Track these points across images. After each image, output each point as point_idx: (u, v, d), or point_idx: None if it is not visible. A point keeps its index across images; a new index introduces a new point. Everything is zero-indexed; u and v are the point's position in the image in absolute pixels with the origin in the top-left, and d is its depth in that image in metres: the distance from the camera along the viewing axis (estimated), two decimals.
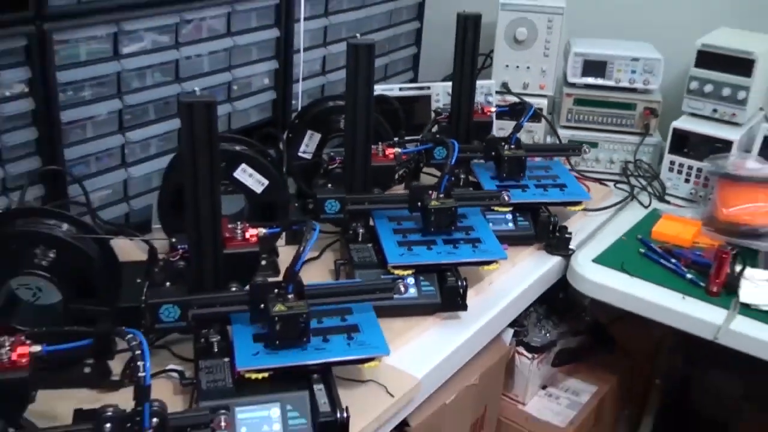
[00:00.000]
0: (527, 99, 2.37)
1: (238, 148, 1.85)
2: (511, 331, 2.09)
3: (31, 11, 1.67)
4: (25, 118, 1.75)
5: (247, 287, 1.45)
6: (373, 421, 1.47)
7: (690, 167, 2.37)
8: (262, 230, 1.55)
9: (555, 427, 2.25)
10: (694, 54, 2.33)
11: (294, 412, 1.38)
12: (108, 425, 1.14)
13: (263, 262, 1.78)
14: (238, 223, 1.55)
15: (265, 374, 1.39)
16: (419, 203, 1.82)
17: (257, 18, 2.19)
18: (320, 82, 2.46)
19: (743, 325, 1.84)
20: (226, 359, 1.45)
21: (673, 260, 2.03)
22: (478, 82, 2.16)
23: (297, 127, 2.13)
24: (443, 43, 2.48)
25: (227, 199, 1.59)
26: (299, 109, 2.27)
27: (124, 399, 1.19)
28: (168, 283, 1.49)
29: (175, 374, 1.51)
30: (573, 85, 2.50)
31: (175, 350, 1.59)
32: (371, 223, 1.88)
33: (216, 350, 1.47)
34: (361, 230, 1.87)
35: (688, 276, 1.98)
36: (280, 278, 1.46)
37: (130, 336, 1.17)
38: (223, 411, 1.23)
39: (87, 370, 1.46)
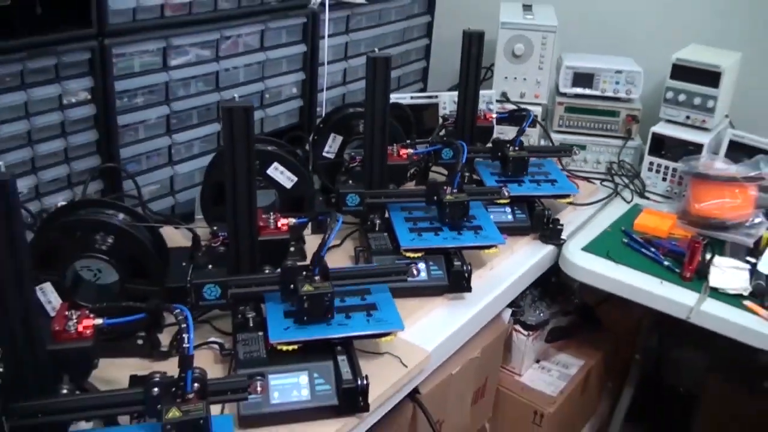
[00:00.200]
0: (524, 107, 2.37)
1: (270, 148, 1.86)
2: (509, 311, 2.09)
3: (94, 29, 1.68)
4: (88, 121, 1.76)
5: (279, 270, 1.45)
6: (389, 388, 1.48)
7: (666, 167, 2.36)
8: (292, 220, 1.56)
9: (547, 395, 2.26)
10: (669, 67, 2.33)
11: (320, 379, 1.39)
12: (155, 389, 1.15)
13: (292, 249, 1.78)
14: (271, 213, 1.55)
15: (295, 346, 1.39)
16: (435, 197, 1.83)
17: (287, 35, 2.19)
18: (341, 91, 2.46)
19: (712, 306, 1.85)
20: (261, 333, 1.46)
21: (652, 249, 2.03)
22: (481, 92, 2.16)
23: (321, 131, 2.13)
24: (449, 57, 2.47)
25: (260, 193, 1.59)
26: (323, 115, 2.27)
27: (171, 367, 1.20)
28: (210, 266, 1.50)
29: (215, 346, 1.52)
30: (564, 95, 2.49)
31: (216, 325, 1.60)
32: (387, 215, 1.89)
33: (251, 325, 1.48)
34: (377, 221, 1.88)
35: (665, 263, 1.99)
36: (307, 262, 1.46)
37: (177, 311, 1.18)
38: (258, 377, 1.23)
39: (140, 341, 1.48)
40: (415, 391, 1.70)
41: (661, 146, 2.36)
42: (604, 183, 2.46)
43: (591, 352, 2.46)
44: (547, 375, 2.35)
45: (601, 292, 2.05)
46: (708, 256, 1.95)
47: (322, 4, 2.21)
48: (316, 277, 1.44)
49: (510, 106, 2.44)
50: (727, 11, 2.50)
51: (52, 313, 1.36)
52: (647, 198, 2.39)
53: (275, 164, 1.83)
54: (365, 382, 1.37)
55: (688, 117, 2.34)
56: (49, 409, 1.14)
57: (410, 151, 1.95)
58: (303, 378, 1.39)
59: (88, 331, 1.18)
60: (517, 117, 2.23)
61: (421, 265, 1.75)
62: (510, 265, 1.97)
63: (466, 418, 2.06)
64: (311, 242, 1.89)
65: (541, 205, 2.08)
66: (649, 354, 2.56)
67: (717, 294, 1.89)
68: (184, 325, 1.16)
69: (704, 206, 2.12)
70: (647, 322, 2.50)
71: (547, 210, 2.07)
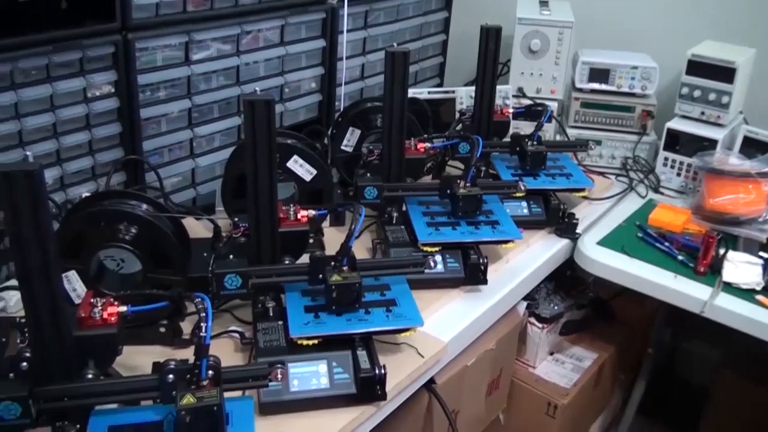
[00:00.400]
0: (540, 102, 2.37)
1: (290, 142, 1.86)
2: (524, 304, 2.09)
3: (118, 23, 1.70)
4: (111, 114, 1.78)
5: (308, 260, 1.45)
6: (406, 378, 1.48)
7: (681, 163, 2.35)
8: (312, 212, 1.56)
9: (561, 387, 2.25)
10: (684, 63, 2.32)
11: (339, 368, 1.39)
12: (171, 376, 1.16)
13: (311, 240, 1.78)
14: (291, 205, 1.56)
15: (315, 341, 1.40)
16: (449, 191, 1.83)
17: (306, 30, 2.20)
18: (359, 86, 2.47)
19: (725, 300, 1.84)
20: (280, 322, 1.47)
21: (667, 244, 2.02)
22: (497, 87, 2.16)
23: (340, 125, 2.13)
24: (465, 53, 2.48)
25: (280, 186, 1.59)
26: (341, 109, 2.28)
27: (193, 355, 1.20)
28: (231, 256, 1.51)
29: (236, 334, 1.53)
30: (580, 90, 2.49)
31: (236, 314, 1.61)
32: (404, 208, 1.88)
33: (271, 314, 1.49)
34: (395, 214, 1.88)
35: (679, 257, 1.97)
36: (327, 254, 1.47)
37: (197, 299, 1.19)
38: (279, 365, 1.23)
39: (162, 329, 1.49)
40: (431, 381, 1.70)
41: (676, 142, 2.35)
42: (619, 178, 2.45)
43: (604, 346, 2.45)
44: (561, 367, 2.34)
45: (614, 286, 2.05)
46: (721, 251, 1.94)
47: (341, 0, 2.22)
48: (344, 268, 1.45)
49: (526, 102, 2.43)
50: (741, 7, 2.48)
51: (77, 301, 1.37)
52: (662, 193, 2.37)
53: (295, 157, 1.83)
54: (383, 371, 1.37)
55: (702, 113, 2.33)
56: (74, 393, 1.15)
57: (427, 145, 1.95)
58: (322, 367, 1.39)
59: (112, 318, 1.19)
60: (534, 112, 2.22)
61: (438, 258, 1.75)
62: (525, 259, 1.97)
63: (481, 409, 2.06)
64: (329, 234, 1.89)
65: (557, 200, 2.07)
66: (661, 347, 2.55)
67: (730, 288, 1.87)
68: (203, 314, 1.17)
69: (718, 201, 2.11)
70: (660, 316, 2.49)
71: (562, 204, 2.07)
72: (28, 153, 1.53)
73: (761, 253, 1.96)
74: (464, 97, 2.46)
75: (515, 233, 1.81)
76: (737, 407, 2.39)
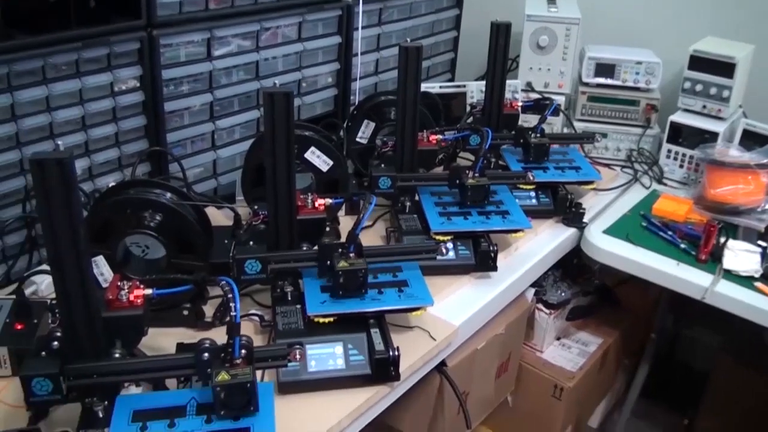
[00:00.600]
0: (548, 96, 2.37)
1: (308, 133, 1.87)
2: (532, 290, 2.10)
3: (143, 20, 1.70)
4: (137, 108, 1.78)
5: (317, 247, 1.46)
6: (418, 360, 1.49)
7: (684, 155, 2.34)
8: (329, 200, 1.58)
9: (567, 371, 2.25)
10: (687, 59, 2.31)
11: (354, 350, 1.40)
12: (206, 354, 1.17)
13: (327, 229, 1.79)
14: (309, 194, 1.57)
15: (331, 319, 1.41)
16: (458, 181, 1.83)
17: (323, 27, 2.20)
18: (374, 80, 2.46)
19: (725, 287, 1.84)
20: (298, 306, 1.48)
21: (670, 232, 2.02)
22: (507, 81, 2.16)
23: (355, 118, 2.14)
24: (476, 49, 2.47)
25: (298, 176, 1.60)
26: (356, 102, 2.28)
27: (215, 337, 1.21)
28: (251, 243, 1.52)
29: (256, 318, 1.54)
30: (587, 85, 2.48)
31: (256, 298, 1.62)
32: (417, 197, 1.89)
33: (290, 298, 1.50)
34: (408, 203, 1.88)
35: (682, 246, 1.98)
36: (342, 241, 1.48)
37: (223, 282, 1.20)
38: (297, 346, 1.24)
39: (185, 312, 1.50)
40: (443, 363, 1.71)
41: (679, 134, 2.34)
42: (624, 169, 2.45)
43: (609, 331, 2.45)
44: (567, 352, 2.34)
45: (619, 274, 2.04)
46: (722, 240, 1.94)
47: None
48: (351, 254, 1.45)
49: (535, 96, 2.43)
50: (741, 5, 2.47)
51: (104, 285, 1.39)
52: (665, 184, 2.37)
53: (312, 148, 1.84)
54: (396, 353, 1.38)
55: (704, 106, 2.32)
56: (103, 370, 1.16)
57: (439, 137, 1.95)
58: (338, 348, 1.40)
59: (138, 301, 1.20)
60: (542, 106, 2.22)
61: (450, 245, 1.76)
62: (534, 247, 1.97)
63: (490, 391, 2.07)
64: (345, 223, 1.89)
65: (565, 190, 2.07)
66: (664, 333, 2.54)
67: (730, 276, 1.88)
68: (230, 296, 1.18)
69: (719, 192, 2.11)
70: (663, 303, 2.49)
71: (570, 194, 2.06)
72: (59, 142, 1.55)
73: (760, 242, 1.96)
74: (475, 91, 2.46)
75: (525, 223, 1.81)
76: (735, 391, 2.39)
